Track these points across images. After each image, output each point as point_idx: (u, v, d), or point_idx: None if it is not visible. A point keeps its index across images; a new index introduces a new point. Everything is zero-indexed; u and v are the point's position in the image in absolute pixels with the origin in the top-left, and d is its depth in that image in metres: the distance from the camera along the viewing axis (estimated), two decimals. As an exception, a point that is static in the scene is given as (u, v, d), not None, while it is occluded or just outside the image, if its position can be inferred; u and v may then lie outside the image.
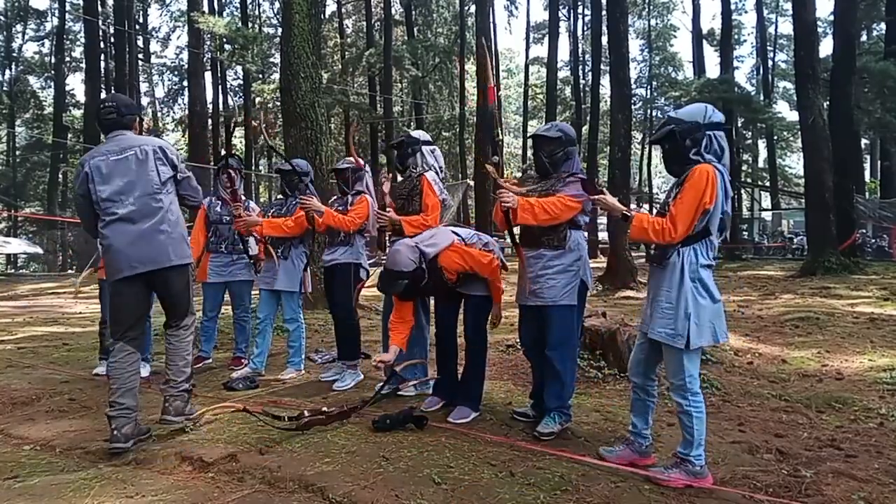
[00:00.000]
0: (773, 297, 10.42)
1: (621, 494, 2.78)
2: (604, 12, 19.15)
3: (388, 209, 4.32)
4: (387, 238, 4.40)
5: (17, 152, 38.31)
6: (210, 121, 31.51)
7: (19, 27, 37.76)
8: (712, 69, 36.46)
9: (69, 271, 26.88)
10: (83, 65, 32.54)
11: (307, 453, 3.18)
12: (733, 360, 5.39)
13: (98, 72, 29.43)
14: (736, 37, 37.83)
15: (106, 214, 3.39)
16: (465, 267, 3.70)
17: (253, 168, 35.20)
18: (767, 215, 32.52)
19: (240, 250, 5.31)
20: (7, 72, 36.99)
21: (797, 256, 21.96)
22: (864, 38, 26.40)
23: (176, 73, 41.03)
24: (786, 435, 3.70)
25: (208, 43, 28.68)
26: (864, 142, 27.04)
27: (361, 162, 4.87)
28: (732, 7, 33.77)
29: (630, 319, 5.46)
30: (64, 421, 3.93)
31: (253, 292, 5.62)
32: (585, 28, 35.52)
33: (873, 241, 21.04)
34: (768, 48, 36.94)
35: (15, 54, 37.14)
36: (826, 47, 20.37)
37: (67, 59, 36.73)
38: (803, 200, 17.93)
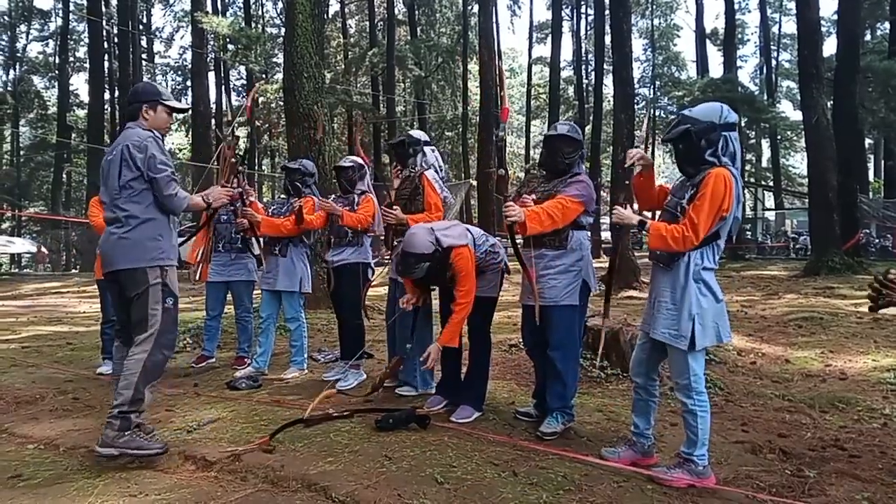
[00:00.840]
0: (777, 297, 10.40)
1: (624, 494, 2.78)
2: (607, 12, 19.11)
3: (393, 207, 4.34)
4: (392, 237, 4.41)
5: (21, 152, 38.46)
6: (213, 121, 31.57)
7: (23, 27, 37.89)
8: (716, 69, 36.50)
9: (73, 271, 26.94)
10: (87, 65, 32.68)
11: (310, 452, 3.18)
12: (736, 359, 5.38)
13: (102, 72, 29.54)
14: (739, 36, 37.77)
15: None
16: (462, 275, 3.66)
17: (256, 167, 35.23)
18: (771, 215, 32.41)
19: (238, 249, 5.33)
20: (11, 72, 37.12)
21: (801, 256, 21.89)
22: (867, 37, 26.30)
23: (179, 73, 41.10)
24: (789, 435, 3.69)
25: (212, 43, 28.74)
26: (867, 141, 26.99)
27: (368, 159, 4.88)
28: (736, 6, 33.71)
29: (633, 319, 5.45)
30: (68, 420, 3.95)
31: (255, 292, 5.63)
32: (589, 28, 35.51)
33: (877, 240, 20.99)
34: (772, 47, 36.87)
35: (19, 54, 37.23)
36: (830, 46, 20.35)
37: (71, 59, 36.85)
38: (807, 200, 17.92)
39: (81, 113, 36.97)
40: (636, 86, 33.78)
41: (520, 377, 4.89)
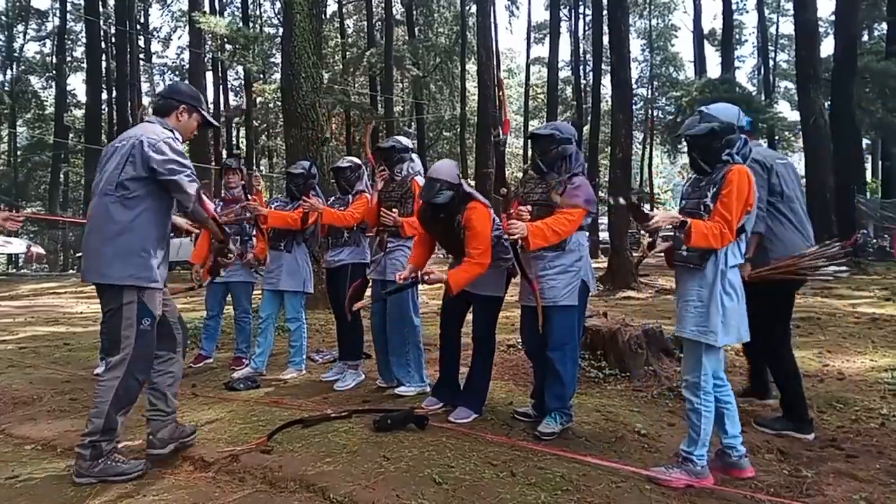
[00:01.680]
0: (775, 297, 10.38)
1: (622, 494, 2.78)
2: (605, 12, 19.13)
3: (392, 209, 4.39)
4: (385, 238, 4.43)
5: (19, 152, 38.38)
6: (211, 121, 31.45)
7: (21, 27, 37.83)
8: (713, 69, 36.53)
9: (70, 271, 26.89)
10: (84, 65, 32.63)
11: (308, 453, 3.18)
12: (734, 360, 5.39)
13: (99, 72, 29.53)
14: (737, 37, 37.90)
15: None
16: (476, 232, 3.64)
17: (255, 168, 35.19)
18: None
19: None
20: (8, 72, 37.05)
21: (798, 256, 21.88)
22: (865, 37, 26.39)
23: (177, 73, 41.02)
24: (787, 435, 3.70)
25: (209, 43, 28.69)
26: (865, 142, 27.01)
27: (373, 159, 4.89)
28: (733, 7, 33.81)
29: (631, 319, 5.46)
30: (65, 421, 3.94)
31: (256, 292, 5.62)
32: (587, 28, 35.49)
33: (874, 241, 20.99)
34: (769, 48, 36.95)
35: (16, 54, 37.19)
36: (827, 47, 20.41)
37: (69, 59, 36.84)
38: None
39: (79, 113, 36.94)
40: (634, 86, 33.85)
41: (518, 377, 4.88)
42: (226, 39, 25.64)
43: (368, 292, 4.86)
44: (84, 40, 32.40)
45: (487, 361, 3.98)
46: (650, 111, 37.59)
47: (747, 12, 42.38)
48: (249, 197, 5.17)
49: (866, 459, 3.28)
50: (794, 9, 16.20)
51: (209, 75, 32.46)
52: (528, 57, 38.39)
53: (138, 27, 35.38)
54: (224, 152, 33.22)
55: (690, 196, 3.03)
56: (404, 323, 4.41)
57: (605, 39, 21.19)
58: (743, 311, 2.94)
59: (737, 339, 2.95)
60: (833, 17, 18.60)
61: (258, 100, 32.40)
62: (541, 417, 3.60)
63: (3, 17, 35.68)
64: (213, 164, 25.85)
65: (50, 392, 4.66)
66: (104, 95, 32.22)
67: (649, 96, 40.23)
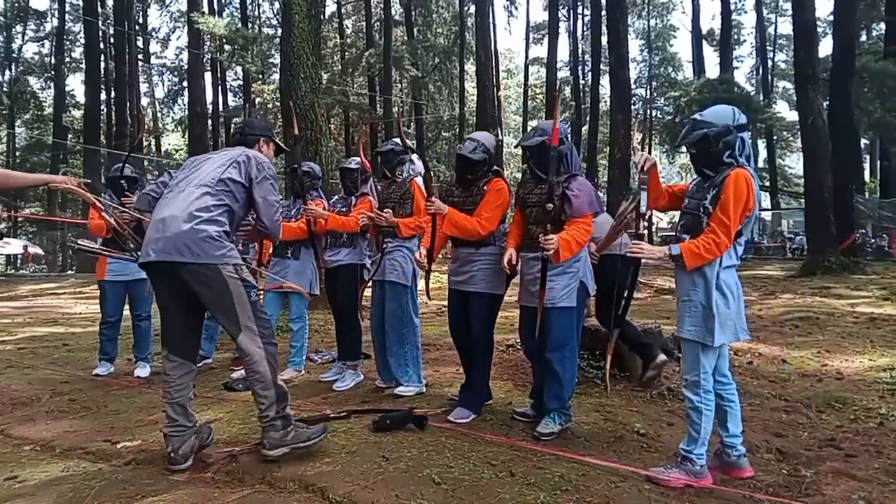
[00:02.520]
0: (773, 297, 10.42)
1: (621, 494, 2.78)
2: (603, 12, 19.13)
3: (384, 210, 4.38)
4: (382, 239, 4.44)
5: (17, 153, 38.32)
6: (210, 121, 31.51)
7: (19, 28, 37.78)
8: (712, 69, 36.55)
9: (69, 272, 26.87)
10: (83, 65, 32.54)
11: (307, 453, 3.17)
12: (733, 359, 5.39)
13: (98, 72, 29.46)
14: (735, 37, 37.93)
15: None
16: (490, 200, 3.81)
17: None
18: (767, 215, 32.50)
19: (239, 251, 5.32)
20: (7, 72, 37.01)
21: (797, 256, 21.95)
22: (863, 37, 26.42)
23: (176, 73, 41.07)
24: (786, 434, 3.70)
25: (208, 43, 28.72)
26: (863, 141, 27.04)
27: (369, 165, 4.92)
28: (732, 7, 33.86)
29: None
30: (64, 421, 3.93)
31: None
32: (585, 28, 35.54)
33: (873, 240, 21.02)
34: (768, 48, 37.02)
35: (15, 55, 37.15)
36: (826, 47, 20.39)
37: (67, 59, 36.76)
38: (803, 200, 17.95)
39: (77, 114, 36.86)
40: (633, 86, 33.88)
41: (517, 377, 4.89)
42: (224, 40, 25.68)
43: (368, 292, 4.86)
44: (83, 41, 32.30)
45: (486, 360, 3.98)
46: (649, 111, 37.61)
47: (746, 12, 42.40)
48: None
49: (865, 459, 3.28)
50: (792, 9, 16.21)
51: (208, 76, 32.45)
52: (526, 57, 38.44)
53: (137, 28, 35.38)
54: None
55: (693, 196, 3.04)
56: (404, 323, 4.41)
57: (604, 40, 21.21)
58: (740, 309, 2.94)
59: (734, 338, 2.95)
60: (831, 18, 18.61)
61: (257, 100, 32.37)
62: (540, 417, 3.61)
63: (1, 18, 35.66)
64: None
65: (48, 393, 4.66)
66: (103, 96, 32.16)
67: (648, 96, 40.26)
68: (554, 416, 3.52)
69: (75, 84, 63.65)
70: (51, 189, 4.91)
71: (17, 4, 36.06)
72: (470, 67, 32.40)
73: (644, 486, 2.88)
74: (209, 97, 33.44)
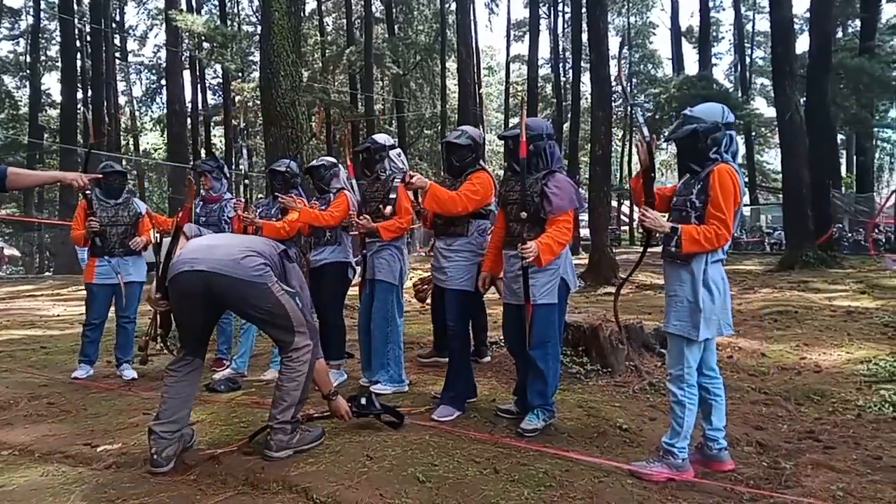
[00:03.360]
0: (752, 292, 10.54)
1: (604, 489, 2.80)
2: (584, 10, 19.20)
3: (361, 216, 4.46)
4: (365, 239, 4.44)
5: (-8, 153, 37.63)
6: (189, 120, 31.20)
7: (-7, 26, 37.07)
8: (691, 66, 36.89)
9: (46, 273, 26.47)
10: (59, 64, 32.00)
11: (290, 454, 3.16)
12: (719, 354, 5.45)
13: (74, 71, 28.99)
14: (714, 34, 38.29)
15: None
16: (473, 183, 3.86)
17: (234, 167, 34.91)
18: (746, 210, 32.80)
19: None
20: (-19, 72, 36.29)
21: (775, 251, 22.20)
22: (839, 34, 26.77)
23: (154, 71, 40.55)
24: (766, 427, 3.75)
25: (186, 41, 28.38)
26: (840, 137, 27.42)
27: (352, 169, 4.95)
28: (711, 4, 34.14)
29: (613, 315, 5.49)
30: (43, 425, 3.88)
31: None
32: (566, 26, 35.66)
33: (850, 235, 21.32)
34: (746, 45, 37.37)
35: (-11, 54, 36.46)
36: (803, 44, 20.62)
37: (43, 58, 36.12)
38: (781, 195, 18.15)
39: (54, 113, 36.23)
40: (613, 83, 34.04)
41: (500, 374, 4.90)
42: (203, 37, 25.35)
43: (354, 291, 4.85)
44: (58, 39, 31.77)
45: (464, 356, 3.99)
46: (629, 108, 37.83)
47: (724, 10, 42.80)
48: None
49: (843, 450, 3.33)
50: (769, 6, 16.37)
51: (186, 74, 32.10)
52: (507, 54, 38.47)
53: (114, 25, 34.89)
54: (203, 151, 32.89)
55: (681, 193, 3.08)
56: (388, 322, 4.42)
57: (584, 37, 21.27)
58: (726, 304, 2.98)
59: (717, 333, 2.98)
60: (808, 15, 18.82)
61: (237, 98, 32.08)
62: (523, 414, 3.62)
63: (-26, 16, 34.98)
64: (191, 163, 25.56)
65: (27, 396, 4.58)
66: (79, 95, 31.67)
67: (629, 91, 40.43)
68: (537, 412, 3.53)
69: (51, 83, 62.77)
70: (62, 186, 5.03)
71: (-10, 2, 35.39)
72: (451, 65, 32.37)
73: (627, 480, 2.90)
74: (188, 95, 33.10)
